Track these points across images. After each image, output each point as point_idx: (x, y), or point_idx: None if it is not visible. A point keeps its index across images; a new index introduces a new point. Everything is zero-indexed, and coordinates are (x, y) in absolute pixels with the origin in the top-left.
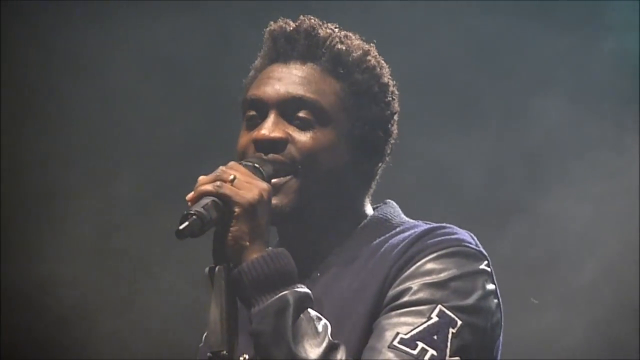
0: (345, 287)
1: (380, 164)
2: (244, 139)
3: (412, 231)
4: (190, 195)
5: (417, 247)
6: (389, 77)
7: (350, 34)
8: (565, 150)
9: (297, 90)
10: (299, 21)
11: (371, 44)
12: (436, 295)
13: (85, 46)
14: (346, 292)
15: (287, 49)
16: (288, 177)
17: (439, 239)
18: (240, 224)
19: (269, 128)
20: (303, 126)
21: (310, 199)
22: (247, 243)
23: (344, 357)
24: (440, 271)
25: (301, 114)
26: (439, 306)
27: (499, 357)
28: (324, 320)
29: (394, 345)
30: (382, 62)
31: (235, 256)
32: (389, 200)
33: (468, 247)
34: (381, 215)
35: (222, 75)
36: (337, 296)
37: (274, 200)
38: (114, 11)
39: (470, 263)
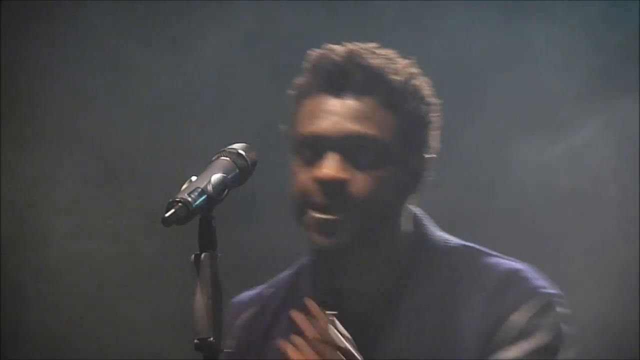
0: (423, 350)
1: None
2: (303, 176)
3: (479, 276)
4: None
5: (501, 306)
6: (430, 90)
7: (391, 54)
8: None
9: (357, 126)
10: (350, 51)
11: (411, 59)
12: None
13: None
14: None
15: (342, 83)
16: (347, 215)
17: (522, 291)
18: None
19: (333, 167)
20: (364, 164)
21: (368, 235)
22: None
23: None
24: (532, 333)
25: (362, 152)
26: None
27: None
28: None
29: None
30: (424, 78)
31: None
32: (421, 213)
33: (546, 293)
34: (426, 241)
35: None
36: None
37: (333, 239)
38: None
39: (555, 313)
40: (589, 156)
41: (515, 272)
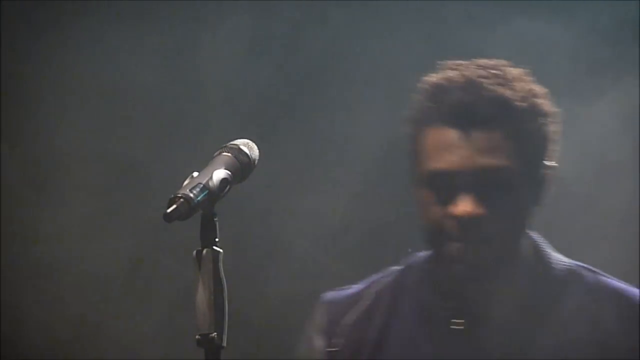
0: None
1: None
2: (437, 211)
3: (611, 302)
4: None
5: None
6: (548, 101)
7: (506, 69)
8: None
9: (487, 160)
10: (468, 81)
11: (524, 69)
12: None
13: None
14: None
15: (467, 117)
16: (484, 244)
17: None
18: None
19: (468, 204)
20: (497, 195)
21: (502, 261)
22: None
23: None
24: None
25: (493, 184)
26: None
27: None
28: None
29: None
30: (541, 90)
31: None
32: (534, 233)
33: None
34: (547, 262)
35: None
36: None
37: (471, 268)
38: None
39: None
40: (591, 151)
41: (628, 299)
